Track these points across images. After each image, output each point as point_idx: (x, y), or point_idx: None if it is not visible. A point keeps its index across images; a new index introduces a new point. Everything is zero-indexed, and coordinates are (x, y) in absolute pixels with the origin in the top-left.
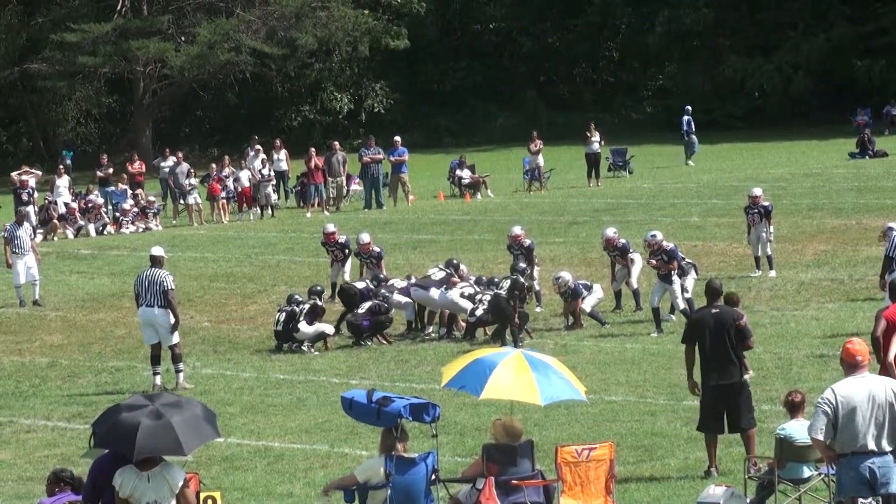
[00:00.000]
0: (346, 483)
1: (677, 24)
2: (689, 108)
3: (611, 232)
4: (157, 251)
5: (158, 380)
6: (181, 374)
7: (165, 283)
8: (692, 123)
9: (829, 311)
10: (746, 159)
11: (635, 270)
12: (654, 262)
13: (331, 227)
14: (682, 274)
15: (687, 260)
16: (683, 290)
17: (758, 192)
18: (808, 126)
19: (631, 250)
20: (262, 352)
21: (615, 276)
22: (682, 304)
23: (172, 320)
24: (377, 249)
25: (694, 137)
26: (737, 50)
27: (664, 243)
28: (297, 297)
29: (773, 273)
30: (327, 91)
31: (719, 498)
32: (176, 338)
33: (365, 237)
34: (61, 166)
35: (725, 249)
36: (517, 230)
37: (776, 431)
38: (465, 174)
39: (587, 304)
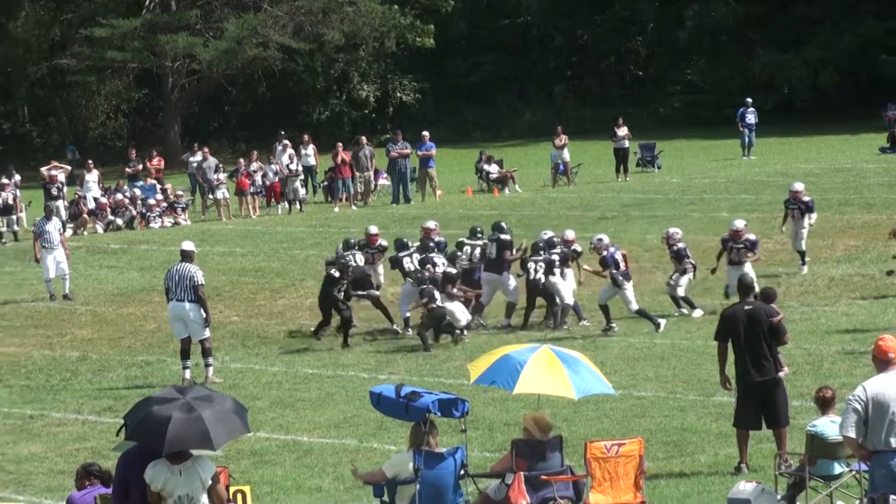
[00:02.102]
0: (375, 478)
1: (707, 18)
2: (750, 100)
3: (671, 230)
4: (188, 246)
5: (188, 374)
6: (211, 368)
7: (196, 278)
8: (745, 116)
9: (860, 306)
10: (776, 154)
11: (683, 279)
12: (588, 267)
13: (374, 229)
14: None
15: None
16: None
17: (799, 187)
18: (837, 121)
19: (688, 256)
20: (291, 346)
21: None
22: (634, 307)
23: (203, 315)
24: (384, 244)
25: (745, 130)
26: (766, 45)
27: (609, 250)
28: (352, 240)
29: (805, 270)
30: (354, 83)
31: (749, 494)
32: (206, 332)
33: (373, 228)
34: (90, 161)
35: None
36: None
37: (807, 428)
38: (493, 169)
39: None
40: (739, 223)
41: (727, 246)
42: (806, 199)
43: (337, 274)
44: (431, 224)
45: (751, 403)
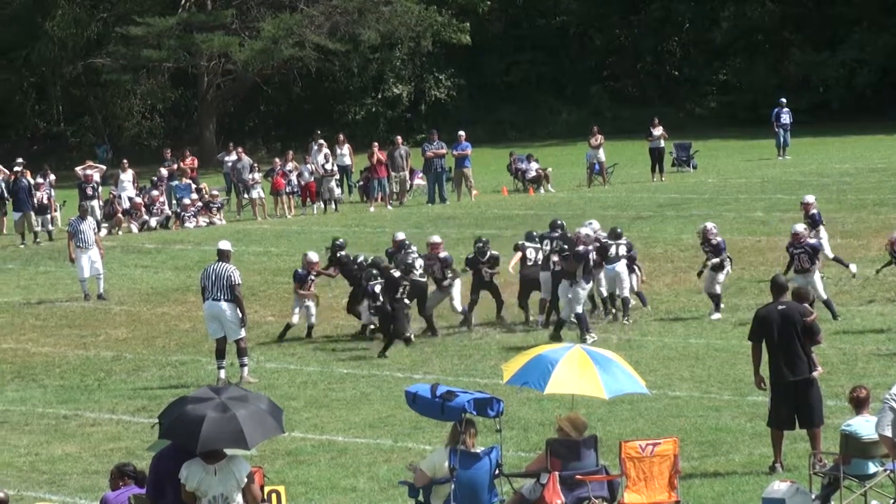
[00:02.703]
0: (420, 481)
1: (742, 18)
2: (784, 100)
3: (710, 225)
4: (225, 245)
5: (223, 374)
6: (246, 368)
7: (232, 278)
8: (780, 116)
9: (895, 306)
10: (811, 154)
11: (721, 276)
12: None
13: (437, 238)
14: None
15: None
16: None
17: (810, 199)
18: (873, 121)
19: (724, 251)
20: (326, 346)
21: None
22: (579, 310)
23: (240, 315)
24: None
25: (780, 130)
26: (801, 45)
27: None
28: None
29: (854, 268)
30: (389, 82)
31: (784, 494)
32: (242, 332)
33: (436, 238)
34: (125, 160)
35: None
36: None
37: (841, 427)
38: (532, 167)
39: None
40: (799, 227)
41: (791, 253)
42: (813, 211)
43: (397, 274)
44: (436, 239)
45: (785, 403)
